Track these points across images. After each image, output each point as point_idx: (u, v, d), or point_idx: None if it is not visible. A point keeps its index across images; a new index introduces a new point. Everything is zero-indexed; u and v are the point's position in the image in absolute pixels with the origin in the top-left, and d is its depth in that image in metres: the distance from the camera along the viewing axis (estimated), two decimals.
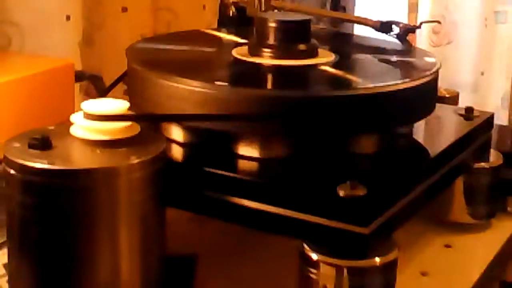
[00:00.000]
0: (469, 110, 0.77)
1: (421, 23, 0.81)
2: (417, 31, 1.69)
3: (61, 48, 0.94)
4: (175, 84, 0.62)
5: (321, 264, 0.57)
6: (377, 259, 0.56)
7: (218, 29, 0.84)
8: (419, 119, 0.69)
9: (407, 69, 0.73)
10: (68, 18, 0.95)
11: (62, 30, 0.95)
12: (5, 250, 0.65)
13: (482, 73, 1.81)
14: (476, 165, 0.76)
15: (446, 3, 1.73)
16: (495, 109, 1.72)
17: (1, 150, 0.57)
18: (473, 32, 1.76)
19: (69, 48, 0.96)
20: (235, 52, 0.71)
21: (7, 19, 0.92)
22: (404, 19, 1.74)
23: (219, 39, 0.81)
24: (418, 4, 1.72)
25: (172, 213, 0.61)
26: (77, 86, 0.87)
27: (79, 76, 0.83)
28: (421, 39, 1.70)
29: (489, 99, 1.84)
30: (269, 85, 0.68)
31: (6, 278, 0.63)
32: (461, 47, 1.76)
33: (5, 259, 0.65)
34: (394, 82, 0.64)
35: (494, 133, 0.80)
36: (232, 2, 0.87)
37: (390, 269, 0.57)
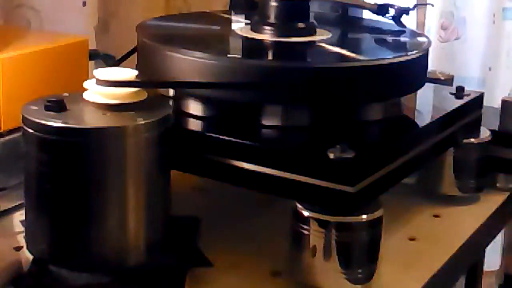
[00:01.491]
0: (459, 89, 0.82)
1: (414, 5, 0.86)
2: (426, 27, 1.74)
3: (78, 33, 0.98)
4: (180, 55, 0.67)
5: (311, 221, 0.61)
6: (364, 216, 0.61)
7: (226, 12, 0.89)
8: (408, 93, 0.74)
9: (397, 46, 0.77)
10: (84, 4, 1.00)
11: (78, 15, 1.00)
12: (22, 211, 0.71)
13: (490, 69, 1.84)
14: (465, 141, 0.80)
15: (455, 0, 1.76)
16: None
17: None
18: (481, 28, 1.79)
19: (85, 32, 1.00)
20: (238, 30, 0.77)
21: (26, 3, 0.97)
22: (413, 14, 1.78)
23: (226, 19, 0.87)
24: (426, 0, 1.75)
25: (177, 183, 0.66)
26: (90, 64, 0.92)
27: (93, 55, 0.88)
28: (430, 35, 1.73)
29: (496, 94, 1.87)
30: (267, 57, 0.73)
31: (23, 234, 0.68)
32: (469, 43, 1.78)
33: (22, 218, 0.70)
34: (384, 56, 0.69)
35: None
36: None
37: (375, 226, 0.62)
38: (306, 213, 0.62)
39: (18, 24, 0.96)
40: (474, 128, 0.82)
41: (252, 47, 0.73)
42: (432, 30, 1.73)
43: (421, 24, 1.73)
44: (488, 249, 0.95)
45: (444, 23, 1.75)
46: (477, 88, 1.82)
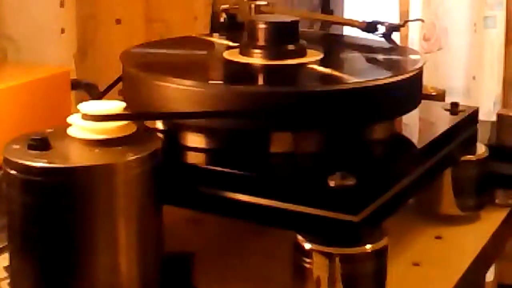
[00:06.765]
0: (454, 105, 0.79)
1: (405, 21, 0.84)
2: (409, 38, 1.73)
3: (56, 61, 0.96)
4: (168, 84, 0.65)
5: (314, 253, 0.58)
6: (368, 246, 0.58)
7: (210, 35, 0.87)
8: (404, 113, 0.71)
9: (391, 65, 0.75)
10: (62, 31, 0.97)
11: (57, 43, 0.97)
12: (5, 255, 0.67)
13: (474, 78, 1.83)
14: (463, 158, 0.78)
15: (436, 10, 1.75)
16: (487, 112, 1.74)
17: (0, 154, 0.59)
18: (463, 37, 1.79)
19: (64, 60, 0.97)
20: (226, 54, 0.74)
21: (2, 32, 0.94)
22: None
23: (211, 43, 0.84)
24: (409, 12, 1.74)
25: (170, 215, 0.63)
26: (72, 94, 0.89)
27: (74, 84, 0.85)
28: (413, 46, 1.72)
29: (481, 103, 1.86)
30: (259, 82, 0.70)
31: (7, 281, 0.64)
32: (452, 52, 1.78)
33: (5, 263, 0.67)
34: (378, 77, 0.67)
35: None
36: (223, 9, 0.89)
37: (381, 256, 0.59)
38: (307, 246, 0.59)
39: None
40: (470, 144, 0.80)
41: (242, 72, 0.70)
42: (414, 41, 1.72)
43: (404, 36, 1.72)
44: None
45: (426, 34, 1.75)
46: (462, 97, 1.82)
